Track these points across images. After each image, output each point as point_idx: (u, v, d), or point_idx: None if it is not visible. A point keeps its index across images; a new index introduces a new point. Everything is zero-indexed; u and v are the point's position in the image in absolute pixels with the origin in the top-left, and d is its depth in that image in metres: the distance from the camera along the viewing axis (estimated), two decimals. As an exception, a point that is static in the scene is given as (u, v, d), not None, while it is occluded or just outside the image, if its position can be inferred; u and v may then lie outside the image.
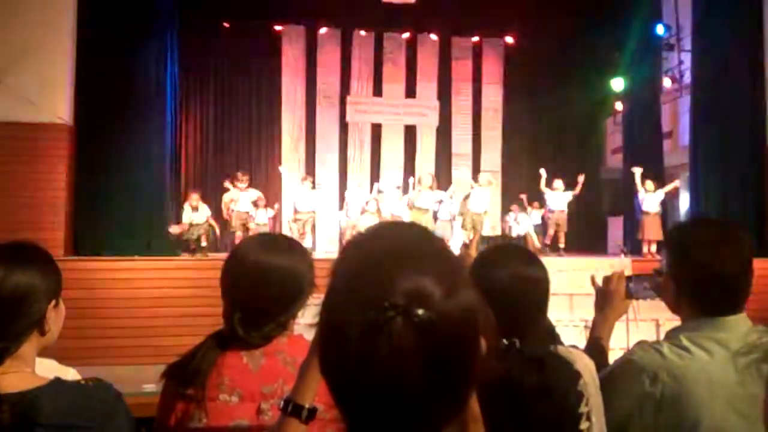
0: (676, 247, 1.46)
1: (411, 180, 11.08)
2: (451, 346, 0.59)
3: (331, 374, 0.63)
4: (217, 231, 9.68)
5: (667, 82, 11.36)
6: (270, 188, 12.27)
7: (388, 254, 0.62)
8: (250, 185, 9.99)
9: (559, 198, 10.32)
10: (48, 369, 1.30)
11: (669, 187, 10.05)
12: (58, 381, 1.20)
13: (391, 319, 0.57)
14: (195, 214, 9.28)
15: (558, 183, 10.36)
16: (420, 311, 0.57)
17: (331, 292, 0.63)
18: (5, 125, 7.56)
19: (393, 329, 0.57)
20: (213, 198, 11.66)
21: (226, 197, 9.84)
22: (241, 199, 9.68)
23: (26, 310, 1.20)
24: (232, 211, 9.69)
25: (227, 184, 9.85)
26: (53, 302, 1.26)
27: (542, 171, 10.31)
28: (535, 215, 11.28)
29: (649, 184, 9.71)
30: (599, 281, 1.70)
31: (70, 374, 1.35)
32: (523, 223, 11.12)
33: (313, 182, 10.79)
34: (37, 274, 1.23)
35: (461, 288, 0.61)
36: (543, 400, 1.14)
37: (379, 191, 10.99)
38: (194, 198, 9.41)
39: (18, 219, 7.32)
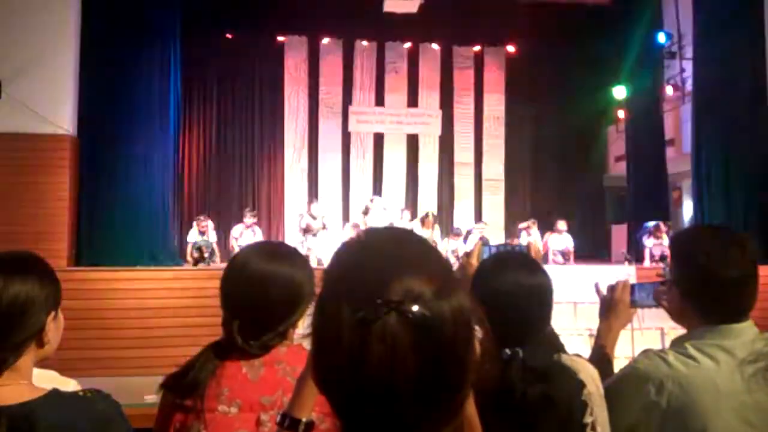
0: (681, 254, 1.45)
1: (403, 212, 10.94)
2: (445, 346, 0.58)
3: (323, 376, 0.62)
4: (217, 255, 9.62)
5: (669, 90, 11.37)
6: (273, 201, 12.31)
7: (380, 257, 0.62)
8: (258, 220, 10.13)
9: (563, 240, 10.27)
10: (48, 380, 1.29)
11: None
12: (56, 392, 1.18)
13: (384, 315, 0.56)
14: (201, 237, 9.35)
15: (562, 224, 10.31)
16: (414, 308, 0.57)
17: (324, 294, 0.63)
18: (9, 136, 7.59)
19: (387, 326, 0.56)
20: (216, 208, 11.70)
21: (234, 231, 9.84)
22: (245, 236, 9.67)
23: (25, 321, 1.19)
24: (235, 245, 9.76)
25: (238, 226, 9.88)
26: (53, 313, 1.25)
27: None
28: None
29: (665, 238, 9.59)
30: (603, 289, 1.68)
31: (71, 386, 1.34)
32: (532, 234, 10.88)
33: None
34: (36, 284, 1.22)
35: (452, 290, 0.61)
36: (547, 411, 1.12)
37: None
38: (203, 222, 9.45)
39: (21, 229, 7.33)
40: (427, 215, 10.43)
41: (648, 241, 9.69)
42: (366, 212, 10.37)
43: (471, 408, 0.67)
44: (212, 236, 9.58)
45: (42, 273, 1.25)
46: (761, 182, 9.17)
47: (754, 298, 1.37)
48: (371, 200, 10.81)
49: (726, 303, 1.36)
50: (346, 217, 12.23)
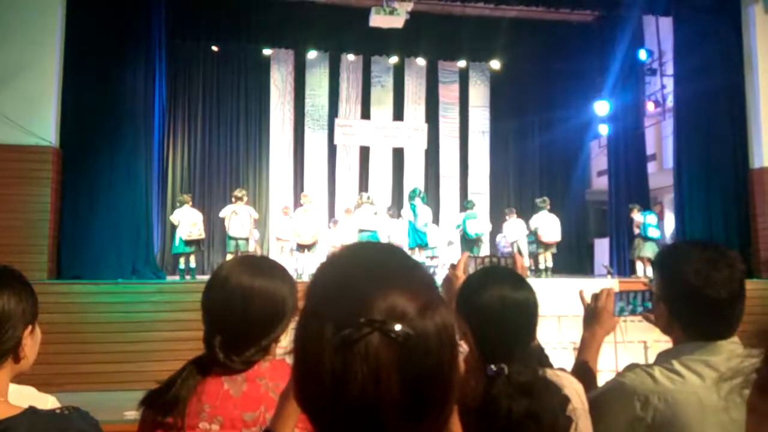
0: (668, 271, 1.43)
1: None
2: (429, 363, 0.57)
3: (305, 395, 0.61)
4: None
5: (650, 106, 11.56)
6: (258, 211, 12.24)
7: (362, 274, 0.61)
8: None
9: (549, 217, 10.34)
10: (25, 397, 1.26)
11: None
12: (32, 410, 1.15)
13: (367, 335, 0.56)
14: (186, 215, 9.12)
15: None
16: (397, 326, 0.56)
17: (306, 311, 0.62)
18: (-10, 147, 7.50)
19: (369, 345, 0.56)
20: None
21: (226, 211, 9.60)
22: (240, 213, 9.44)
23: (1, 336, 1.17)
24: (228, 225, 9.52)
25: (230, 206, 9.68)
26: (29, 328, 1.22)
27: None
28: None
29: (651, 216, 9.78)
30: (588, 298, 1.69)
31: (49, 402, 1.31)
32: (514, 232, 10.89)
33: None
34: (12, 299, 1.19)
35: (436, 306, 0.60)
36: (532, 427, 1.12)
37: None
38: (186, 199, 9.22)
39: (2, 241, 7.22)
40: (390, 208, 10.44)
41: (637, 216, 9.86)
42: (358, 206, 10.32)
43: (455, 425, 0.66)
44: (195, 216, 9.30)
45: (19, 287, 1.22)
46: (741, 196, 9.32)
47: (741, 317, 1.36)
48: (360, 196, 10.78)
49: (713, 322, 1.35)
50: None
